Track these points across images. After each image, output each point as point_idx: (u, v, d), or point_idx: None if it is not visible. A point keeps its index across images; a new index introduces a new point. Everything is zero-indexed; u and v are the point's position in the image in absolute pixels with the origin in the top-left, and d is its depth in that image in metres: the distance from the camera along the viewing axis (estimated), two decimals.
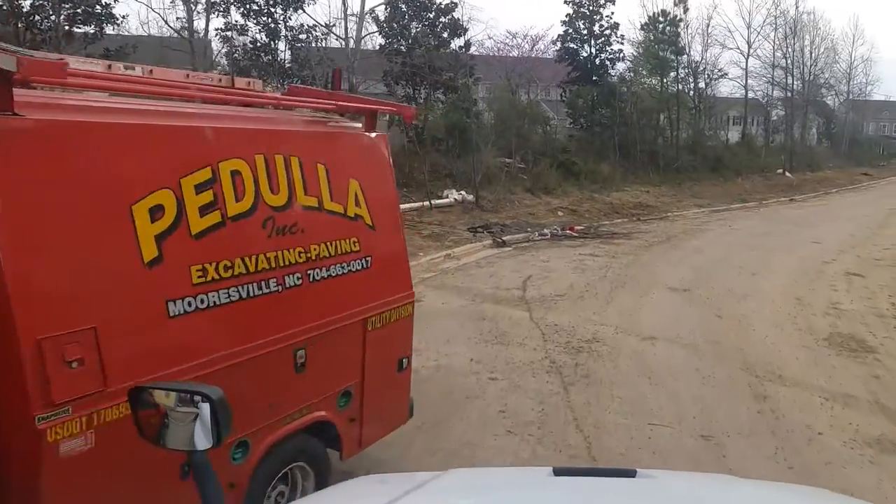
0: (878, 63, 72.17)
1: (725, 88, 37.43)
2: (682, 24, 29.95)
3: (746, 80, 36.12)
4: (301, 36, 18.31)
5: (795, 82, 38.83)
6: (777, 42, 37.72)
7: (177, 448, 1.52)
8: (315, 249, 3.30)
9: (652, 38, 29.52)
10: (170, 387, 1.58)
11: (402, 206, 15.72)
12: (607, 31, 26.81)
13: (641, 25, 30.14)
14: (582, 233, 15.28)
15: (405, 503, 1.46)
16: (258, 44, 17.87)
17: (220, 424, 1.49)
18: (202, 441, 1.49)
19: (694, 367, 6.34)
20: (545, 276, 10.46)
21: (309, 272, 3.25)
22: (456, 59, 20.86)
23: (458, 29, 20.85)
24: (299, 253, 3.20)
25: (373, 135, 3.87)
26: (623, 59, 27.93)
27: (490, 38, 44.62)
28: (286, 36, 18.15)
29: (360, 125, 3.88)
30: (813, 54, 40.82)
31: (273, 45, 18.00)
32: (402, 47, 20.16)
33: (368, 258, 3.67)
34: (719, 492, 1.70)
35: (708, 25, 33.83)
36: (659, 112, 28.70)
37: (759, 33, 36.72)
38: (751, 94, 37.21)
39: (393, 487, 1.59)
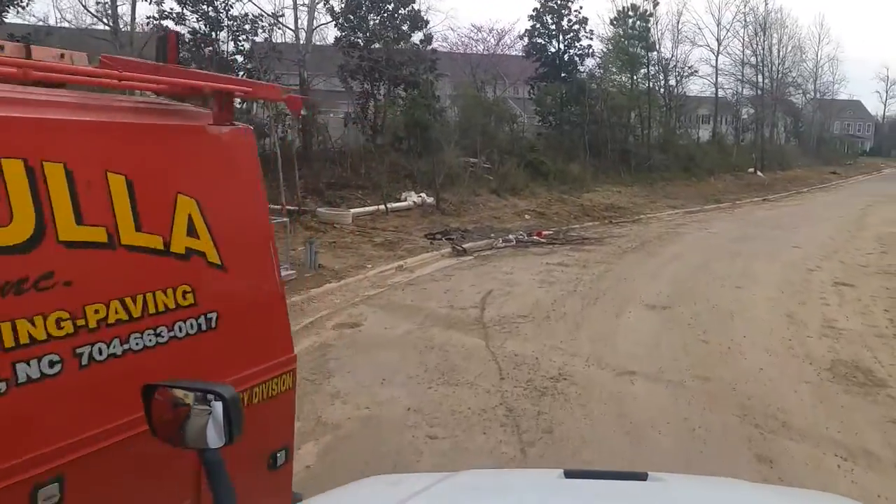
0: (843, 62, 73.20)
1: (695, 86, 36.99)
2: (652, 20, 29.29)
3: (717, 78, 35.68)
4: (245, 26, 16.84)
5: (764, 80, 38.56)
6: (746, 39, 37.44)
7: (191, 446, 1.54)
8: (97, 313, 2.02)
9: (622, 33, 28.73)
10: (184, 385, 1.61)
11: (356, 211, 14.53)
12: (576, 27, 25.92)
13: (611, 20, 29.41)
14: (550, 238, 14.16)
15: None
16: (198, 34, 16.35)
17: (233, 423, 1.51)
18: (215, 439, 1.52)
19: (682, 416, 5.19)
20: (507, 292, 9.28)
21: (80, 351, 1.97)
22: (417, 54, 19.62)
23: (418, 21, 19.66)
24: (59, 322, 1.93)
25: (224, 128, 2.60)
26: (592, 55, 27.10)
27: (453, 29, 43.64)
28: (229, 26, 16.67)
29: (206, 113, 2.61)
30: (781, 52, 40.76)
31: (214, 36, 16.51)
32: (360, 40, 18.86)
33: (212, 315, 2.40)
34: (729, 495, 1.66)
35: (678, 22, 33.44)
36: (630, 110, 27.89)
37: (728, 30, 36.39)
38: (721, 93, 36.79)
39: (403, 488, 1.56)
